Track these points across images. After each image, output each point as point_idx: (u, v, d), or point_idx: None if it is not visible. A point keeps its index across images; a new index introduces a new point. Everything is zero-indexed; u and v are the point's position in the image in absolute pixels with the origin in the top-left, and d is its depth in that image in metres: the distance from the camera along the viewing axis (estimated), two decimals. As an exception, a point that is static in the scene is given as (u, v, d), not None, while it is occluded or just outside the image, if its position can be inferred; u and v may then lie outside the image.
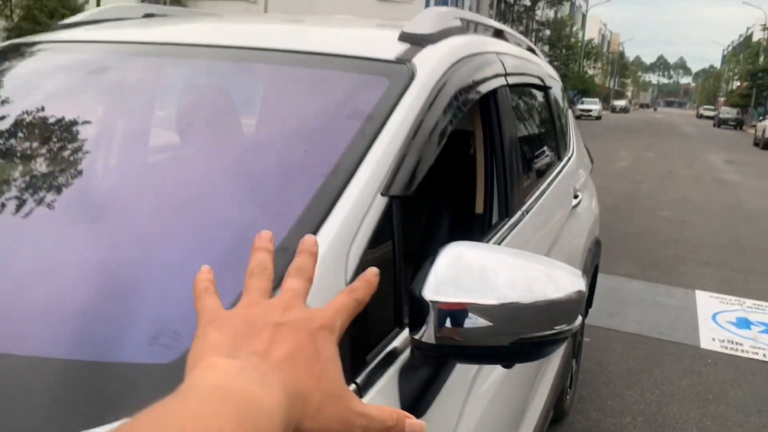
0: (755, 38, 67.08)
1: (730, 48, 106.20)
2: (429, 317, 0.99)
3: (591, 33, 69.61)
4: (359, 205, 1.00)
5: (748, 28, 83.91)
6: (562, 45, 42.51)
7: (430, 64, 1.37)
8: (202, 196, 1.11)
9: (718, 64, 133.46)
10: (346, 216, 0.97)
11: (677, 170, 15.51)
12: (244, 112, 1.42)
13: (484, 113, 1.79)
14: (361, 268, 0.98)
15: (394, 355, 1.02)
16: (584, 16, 64.58)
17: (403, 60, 1.35)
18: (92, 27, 1.83)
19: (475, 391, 1.32)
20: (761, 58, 52.86)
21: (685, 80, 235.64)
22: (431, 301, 0.99)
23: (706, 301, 5.24)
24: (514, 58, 2.15)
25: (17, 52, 1.65)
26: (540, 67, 2.69)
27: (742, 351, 4.27)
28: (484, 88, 1.67)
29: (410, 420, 0.53)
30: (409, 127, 1.18)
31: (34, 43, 1.67)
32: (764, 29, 53.73)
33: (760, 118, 35.12)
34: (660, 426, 3.21)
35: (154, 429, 0.37)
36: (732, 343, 4.39)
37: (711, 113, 72.20)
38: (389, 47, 1.41)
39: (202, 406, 0.39)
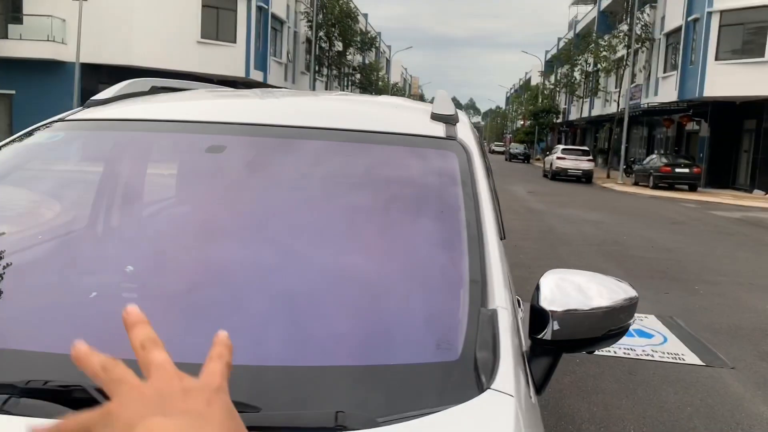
0: (533, 82, 76.24)
1: (512, 91, 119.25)
2: (549, 322, 1.46)
3: (394, 77, 74.34)
4: (500, 249, 1.46)
5: (526, 73, 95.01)
6: (372, 89, 45.02)
7: (467, 137, 1.86)
8: (405, 249, 1.49)
9: (503, 105, 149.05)
10: (498, 255, 1.42)
11: (493, 202, 17.31)
12: (347, 181, 1.78)
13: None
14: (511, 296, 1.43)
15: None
16: (388, 62, 68.91)
17: (452, 137, 1.82)
18: (135, 101, 2.03)
19: None
20: (540, 100, 60.20)
21: (476, 119, 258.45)
22: (550, 311, 1.46)
23: (558, 314, 6.20)
24: None
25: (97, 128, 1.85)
26: None
27: (597, 351, 5.19)
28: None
29: None
30: (487, 188, 1.67)
31: (118, 120, 1.86)
32: (541, 75, 61.32)
33: (546, 153, 40.00)
34: (562, 416, 3.91)
35: None
36: (589, 345, 5.31)
37: (501, 149, 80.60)
38: (431, 126, 1.87)
39: None
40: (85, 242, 1.54)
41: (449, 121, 1.91)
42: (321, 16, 34.10)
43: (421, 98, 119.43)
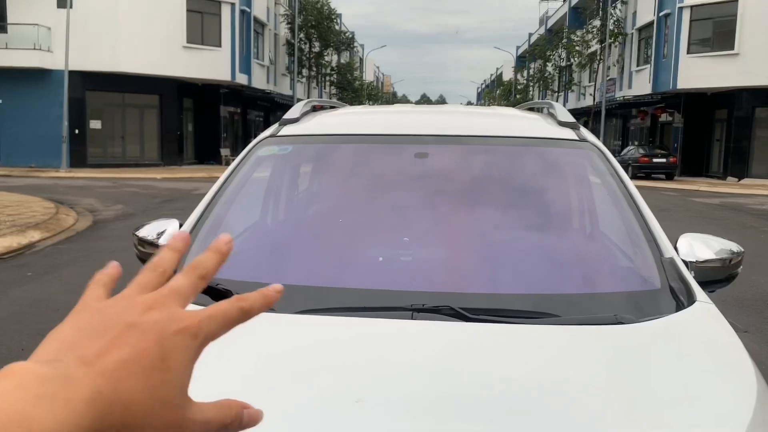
0: (505, 77, 77.52)
1: (483, 86, 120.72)
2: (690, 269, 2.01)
3: (368, 76, 75.00)
4: (653, 216, 2.00)
5: (497, 69, 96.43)
6: (350, 88, 45.55)
7: (593, 140, 2.38)
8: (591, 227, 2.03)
9: (474, 100, 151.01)
10: (656, 220, 1.97)
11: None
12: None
13: None
14: None
15: None
16: (362, 61, 69.55)
17: (584, 139, 2.34)
18: (318, 118, 2.52)
19: None
20: (513, 95, 61.43)
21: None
22: (689, 262, 2.01)
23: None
24: None
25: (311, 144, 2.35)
26: None
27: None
28: None
29: (248, 410, 0.52)
30: (625, 175, 2.21)
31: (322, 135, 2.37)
32: (514, 70, 62.44)
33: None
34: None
35: None
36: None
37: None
38: (563, 131, 2.37)
39: None
40: (368, 222, 2.06)
41: (574, 127, 2.41)
42: (301, 18, 34.47)
43: (393, 96, 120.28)
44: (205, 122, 29.13)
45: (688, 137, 29.12)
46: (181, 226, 2.26)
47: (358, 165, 2.30)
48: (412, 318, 1.51)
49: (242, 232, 2.21)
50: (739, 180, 25.61)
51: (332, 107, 2.99)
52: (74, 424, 0.41)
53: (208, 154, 29.19)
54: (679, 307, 1.62)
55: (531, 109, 3.37)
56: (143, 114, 26.48)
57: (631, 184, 2.13)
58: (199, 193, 17.41)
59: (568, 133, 2.33)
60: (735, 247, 2.13)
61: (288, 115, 2.51)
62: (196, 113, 28.95)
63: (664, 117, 32.08)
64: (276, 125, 2.49)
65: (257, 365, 1.37)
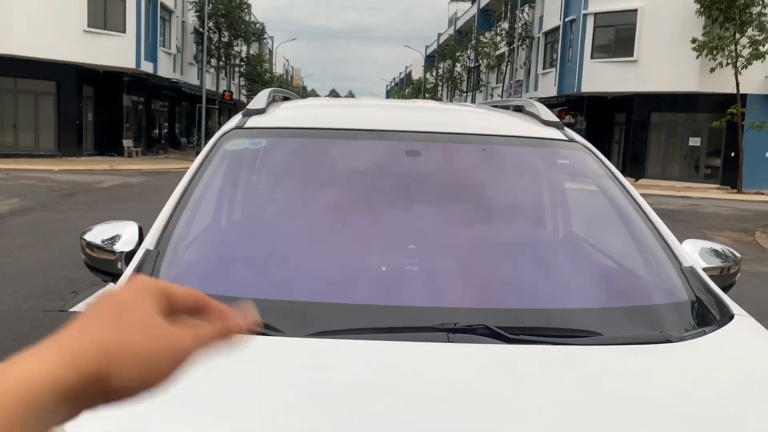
0: (415, 76, 78.46)
1: (393, 84, 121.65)
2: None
3: (278, 68, 73.68)
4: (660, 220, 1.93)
5: (407, 67, 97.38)
6: (260, 80, 44.48)
7: (580, 139, 2.31)
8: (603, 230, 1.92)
9: (384, 97, 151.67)
10: (664, 225, 1.89)
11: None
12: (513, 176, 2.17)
13: None
14: None
15: None
16: (272, 53, 68.20)
17: (572, 139, 2.26)
18: (283, 110, 2.30)
19: None
20: (423, 94, 62.26)
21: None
22: (701, 268, 1.95)
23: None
24: None
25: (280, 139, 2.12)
26: None
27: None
28: None
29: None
30: (621, 176, 2.13)
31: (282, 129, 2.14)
32: (423, 69, 63.25)
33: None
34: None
35: None
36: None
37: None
38: (549, 131, 2.28)
39: None
40: (366, 227, 1.84)
41: (559, 126, 2.33)
42: (210, 6, 33.26)
43: (303, 90, 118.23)
44: (106, 111, 27.48)
45: (590, 139, 29.53)
46: (141, 229, 1.97)
47: (345, 163, 2.10)
48: (448, 340, 1.34)
49: (220, 240, 1.95)
50: (636, 180, 27.07)
51: (285, 98, 2.76)
52: (57, 371, 0.47)
53: (110, 145, 27.58)
54: (713, 320, 1.53)
55: (495, 107, 3.28)
56: (38, 101, 24.63)
57: (631, 187, 2.06)
58: (101, 187, 16.35)
59: (556, 133, 2.24)
60: (733, 253, 2.10)
61: (252, 105, 2.29)
62: (96, 102, 27.27)
63: (567, 119, 33.38)
64: (239, 116, 2.26)
65: (282, 405, 1.14)
